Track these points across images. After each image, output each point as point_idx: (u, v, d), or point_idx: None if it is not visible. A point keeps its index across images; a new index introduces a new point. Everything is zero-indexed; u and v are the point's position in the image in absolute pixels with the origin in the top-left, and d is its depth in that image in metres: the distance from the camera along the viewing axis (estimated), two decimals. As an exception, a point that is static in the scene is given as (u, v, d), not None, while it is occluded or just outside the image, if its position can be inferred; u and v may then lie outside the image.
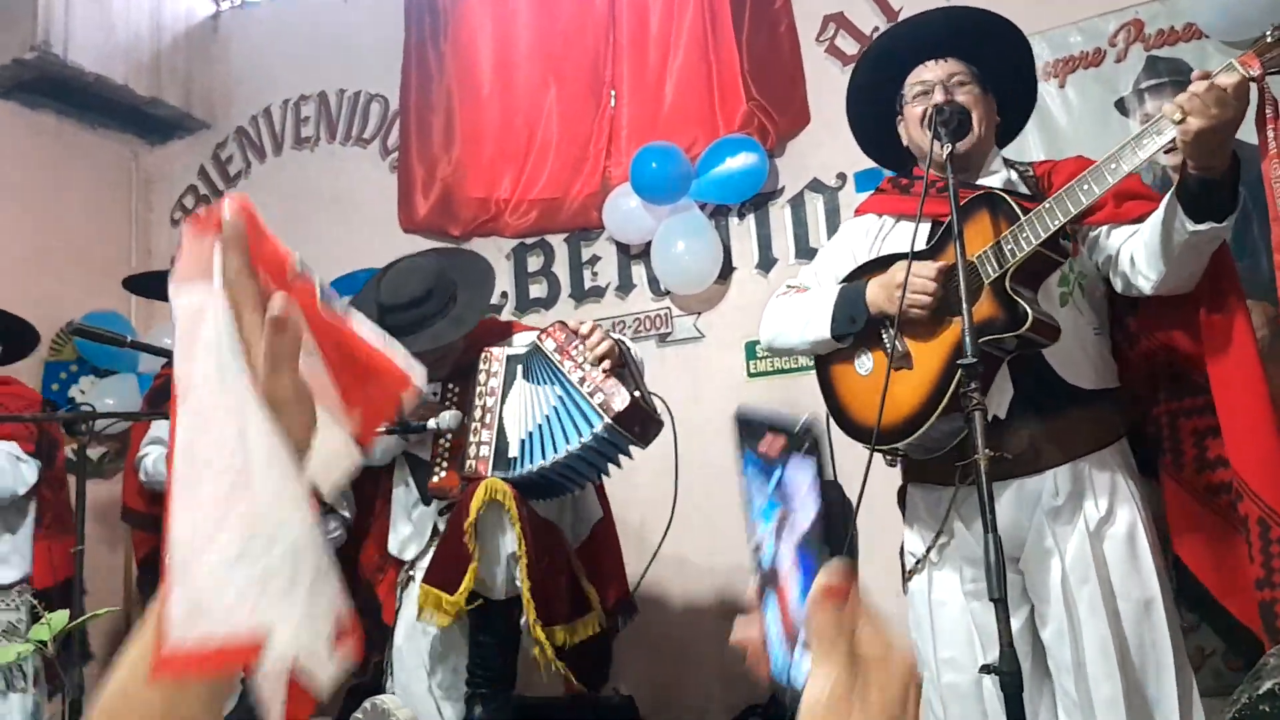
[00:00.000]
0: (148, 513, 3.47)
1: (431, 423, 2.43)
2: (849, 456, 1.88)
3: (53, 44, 4.06)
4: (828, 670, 0.51)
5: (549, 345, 2.46)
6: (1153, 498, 1.99)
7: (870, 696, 0.51)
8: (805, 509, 0.60)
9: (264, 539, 0.51)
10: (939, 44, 2.07)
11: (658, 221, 3.57)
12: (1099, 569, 1.84)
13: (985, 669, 1.65)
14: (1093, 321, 2.00)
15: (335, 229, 4.29)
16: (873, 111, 2.20)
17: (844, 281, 2.09)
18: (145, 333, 4.35)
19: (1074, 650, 1.85)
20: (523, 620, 2.34)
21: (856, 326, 1.98)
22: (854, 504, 2.03)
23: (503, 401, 2.49)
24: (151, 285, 3.88)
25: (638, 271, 3.78)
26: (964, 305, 1.70)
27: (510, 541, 2.34)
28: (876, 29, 3.44)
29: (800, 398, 2.38)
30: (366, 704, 2.44)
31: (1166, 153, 1.98)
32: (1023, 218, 1.81)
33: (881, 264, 2.03)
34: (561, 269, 3.92)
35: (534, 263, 3.98)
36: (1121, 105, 3.05)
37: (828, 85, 3.43)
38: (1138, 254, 1.86)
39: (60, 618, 1.85)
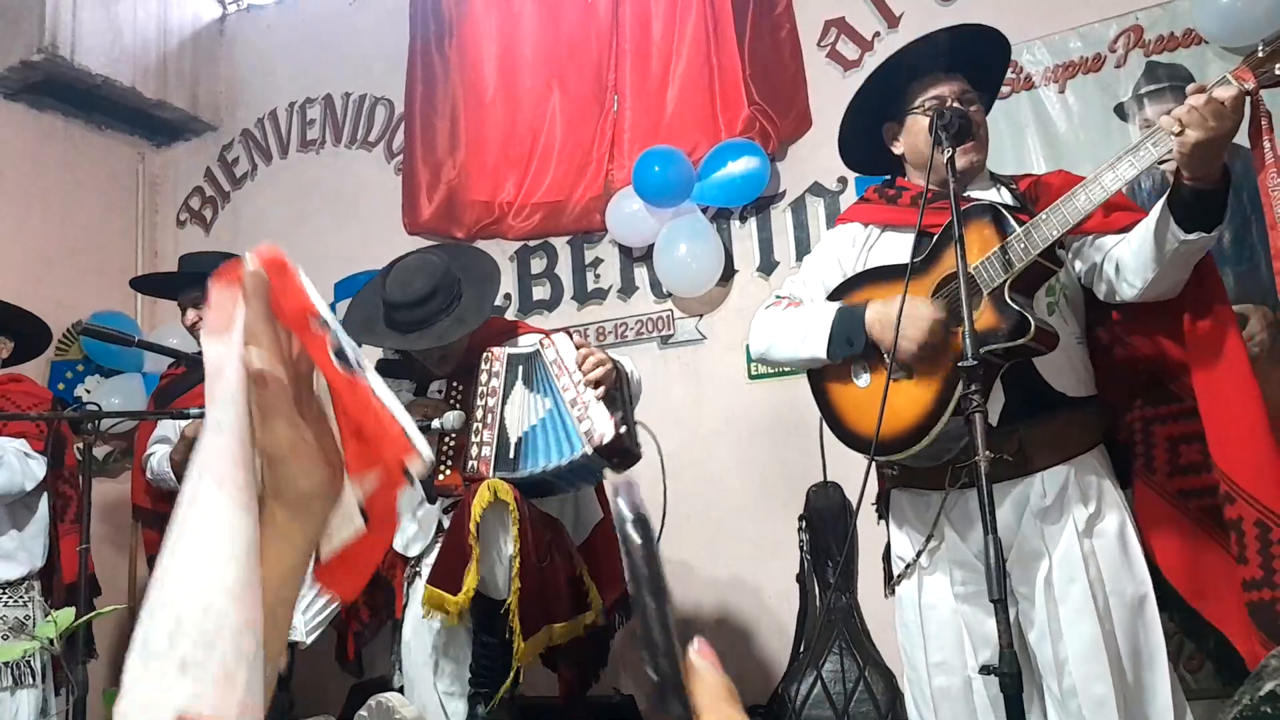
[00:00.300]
0: (155, 510, 3.49)
1: (435, 423, 2.44)
2: (846, 462, 1.89)
3: (60, 46, 4.08)
4: None
5: (549, 355, 2.48)
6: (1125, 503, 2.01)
7: None
8: None
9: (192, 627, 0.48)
10: (949, 60, 2.09)
11: (660, 224, 3.59)
12: (1089, 567, 1.86)
13: (985, 669, 1.66)
14: (1075, 330, 2.02)
15: (340, 231, 4.32)
16: (864, 123, 2.21)
17: (836, 292, 2.10)
18: (151, 333, 4.37)
19: (1054, 649, 1.87)
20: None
21: (854, 350, 1.97)
22: (854, 504, 2.05)
23: (504, 402, 2.50)
24: (157, 285, 3.91)
25: (640, 274, 3.81)
26: (965, 314, 1.72)
27: (511, 542, 2.36)
28: (877, 34, 3.47)
29: (802, 400, 2.40)
30: (371, 702, 2.46)
31: (1161, 164, 2.01)
32: (1018, 229, 1.83)
33: (876, 275, 2.04)
34: (564, 271, 3.95)
35: (537, 265, 4.00)
36: (1121, 110, 3.06)
37: (829, 90, 3.45)
38: (1124, 261, 1.89)
39: (66, 615, 1.86)
